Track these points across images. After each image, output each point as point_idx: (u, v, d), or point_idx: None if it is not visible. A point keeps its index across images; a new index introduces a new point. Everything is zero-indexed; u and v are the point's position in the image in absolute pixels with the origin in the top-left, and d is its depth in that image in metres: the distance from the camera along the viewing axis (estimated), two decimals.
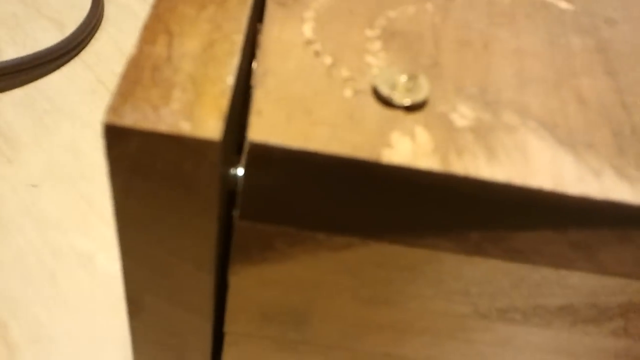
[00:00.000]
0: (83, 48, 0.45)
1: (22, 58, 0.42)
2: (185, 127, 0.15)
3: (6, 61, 0.42)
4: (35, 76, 0.43)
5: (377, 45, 0.20)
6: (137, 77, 0.16)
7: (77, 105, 0.43)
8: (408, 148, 0.16)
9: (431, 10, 0.22)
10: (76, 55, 0.44)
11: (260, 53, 0.19)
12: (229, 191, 0.18)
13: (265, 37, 0.19)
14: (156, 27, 0.18)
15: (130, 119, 0.14)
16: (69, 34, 0.44)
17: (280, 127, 0.16)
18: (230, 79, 0.17)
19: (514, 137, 0.17)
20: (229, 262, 0.19)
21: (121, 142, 0.15)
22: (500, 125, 0.18)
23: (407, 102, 0.17)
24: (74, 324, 0.36)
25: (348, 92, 0.18)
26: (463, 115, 0.18)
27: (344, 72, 0.19)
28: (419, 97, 0.18)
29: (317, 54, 0.19)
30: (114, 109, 0.14)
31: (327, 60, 0.19)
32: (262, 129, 0.16)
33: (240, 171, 0.19)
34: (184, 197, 0.16)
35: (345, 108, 0.17)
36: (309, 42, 0.19)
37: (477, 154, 0.17)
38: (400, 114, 0.17)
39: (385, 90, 0.18)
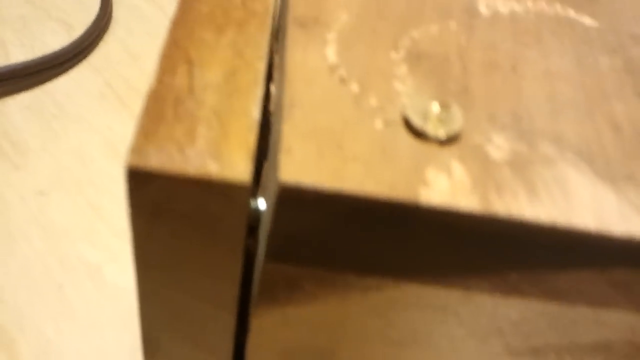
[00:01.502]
0: (91, 51, 0.44)
1: (29, 62, 0.42)
2: (213, 169, 0.14)
3: (13, 64, 0.41)
4: (43, 80, 0.42)
5: (403, 69, 0.19)
6: (159, 112, 0.15)
7: (85, 110, 0.42)
8: (446, 186, 0.15)
9: (455, 29, 0.21)
10: (84, 58, 0.43)
11: (286, 81, 0.18)
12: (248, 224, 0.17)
13: (289, 63, 0.18)
14: (175, 54, 0.17)
15: (155, 161, 0.14)
16: (77, 37, 0.43)
17: (312, 165, 0.15)
18: (255, 112, 0.16)
19: (552, 171, 0.17)
20: (248, 299, 0.18)
21: (145, 185, 0.14)
22: (538, 157, 0.17)
23: (442, 134, 0.17)
24: (82, 338, 0.36)
25: (378, 123, 0.17)
26: (499, 146, 0.17)
27: (373, 101, 0.18)
28: (453, 128, 0.17)
29: (342, 80, 0.18)
30: (137, 150, 0.14)
31: (354, 87, 0.18)
32: (292, 168, 0.15)
33: (261, 204, 0.18)
34: (209, 240, 0.15)
35: (377, 141, 0.17)
36: (333, 68, 0.19)
37: (518, 191, 0.16)
38: (434, 147, 0.17)
39: (418, 122, 0.17)
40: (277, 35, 0.20)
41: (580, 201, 0.16)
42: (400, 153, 0.16)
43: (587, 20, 0.23)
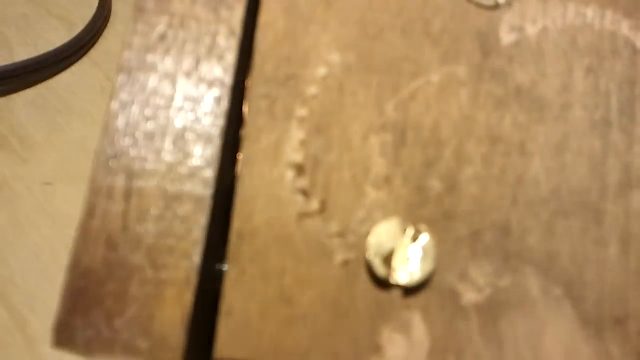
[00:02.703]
0: (92, 46, 0.39)
1: (31, 59, 0.37)
2: (142, 346, 0.11)
3: (18, 62, 0.37)
4: (45, 76, 0.38)
5: (380, 164, 0.15)
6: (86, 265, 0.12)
7: (87, 104, 0.38)
8: (401, 352, 0.12)
9: (463, 77, 0.15)
10: (85, 53, 0.39)
11: (237, 200, 0.14)
12: (213, 289, 0.14)
13: (245, 160, 0.14)
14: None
15: (81, 338, 0.10)
16: (77, 32, 0.38)
17: (253, 330, 0.12)
18: (196, 256, 0.13)
19: (529, 319, 0.13)
20: None
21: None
22: (517, 298, 0.13)
23: (407, 281, 0.13)
24: None
25: (337, 260, 0.13)
26: (474, 284, 0.13)
27: (334, 225, 0.14)
28: (423, 271, 0.13)
29: (304, 193, 0.14)
30: (62, 323, 0.10)
31: (314, 204, 0.14)
32: (230, 338, 0.12)
33: (224, 267, 0.15)
34: None
35: (331, 290, 0.13)
36: (296, 171, 0.14)
37: (481, 355, 0.13)
38: (396, 296, 0.13)
39: (380, 269, 0.13)
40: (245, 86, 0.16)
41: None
42: (356, 306, 0.13)
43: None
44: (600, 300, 0.14)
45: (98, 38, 0.40)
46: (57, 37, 0.39)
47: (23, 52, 0.38)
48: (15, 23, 0.39)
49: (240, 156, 0.15)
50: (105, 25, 0.40)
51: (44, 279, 0.34)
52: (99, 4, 0.40)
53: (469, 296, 0.13)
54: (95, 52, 0.40)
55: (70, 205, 0.37)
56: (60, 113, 0.38)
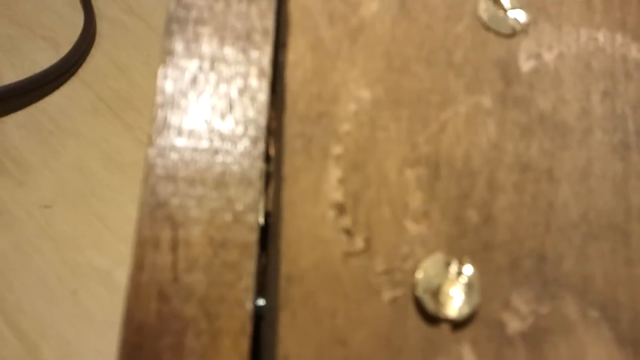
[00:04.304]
0: (80, 66, 0.38)
1: (21, 81, 0.36)
2: None
3: (5, 85, 0.35)
4: (36, 97, 0.37)
5: (417, 199, 0.15)
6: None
7: (80, 124, 0.37)
8: None
9: (488, 107, 0.15)
10: (74, 73, 0.37)
11: (282, 244, 0.14)
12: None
13: (286, 206, 0.14)
14: None
15: None
16: (65, 53, 0.37)
17: None
18: (249, 303, 0.12)
19: (569, 341, 0.13)
20: None
21: None
22: (557, 322, 0.13)
23: (456, 316, 0.13)
24: (100, 339, 0.33)
25: (385, 298, 0.13)
26: (517, 312, 0.13)
27: (379, 264, 0.14)
28: (470, 305, 0.13)
29: (347, 232, 0.14)
30: None
31: (359, 242, 0.14)
32: None
33: (261, 302, 0.15)
34: None
35: (383, 328, 0.13)
36: (337, 211, 0.14)
37: None
38: (446, 331, 0.13)
39: (430, 305, 0.13)
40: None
41: None
42: (408, 343, 0.13)
43: None
44: (634, 319, 0.14)
45: (85, 57, 0.38)
46: (44, 58, 0.37)
47: (11, 74, 0.36)
48: (1, 45, 0.37)
49: (279, 197, 0.15)
50: (92, 45, 0.39)
51: (52, 304, 0.33)
52: (85, 23, 0.39)
53: (514, 325, 0.13)
54: (83, 72, 0.38)
55: (71, 228, 0.35)
56: (53, 134, 0.37)
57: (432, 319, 0.13)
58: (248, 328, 0.13)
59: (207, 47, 0.15)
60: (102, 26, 0.39)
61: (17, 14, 0.40)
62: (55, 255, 0.34)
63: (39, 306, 0.33)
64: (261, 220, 0.16)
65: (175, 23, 0.15)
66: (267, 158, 0.15)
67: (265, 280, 0.15)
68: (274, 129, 0.16)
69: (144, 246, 0.13)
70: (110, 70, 0.39)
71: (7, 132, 0.36)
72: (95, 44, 0.39)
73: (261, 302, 0.16)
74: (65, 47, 0.38)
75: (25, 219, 0.35)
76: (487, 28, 0.16)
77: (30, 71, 0.37)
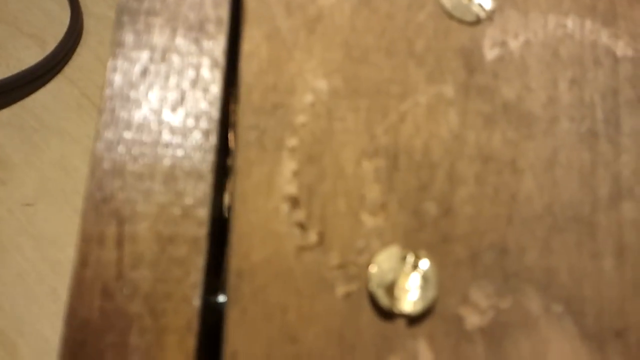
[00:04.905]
0: (66, 63, 0.37)
1: (5, 79, 0.35)
2: None
3: None
4: (21, 95, 0.36)
5: (374, 192, 0.14)
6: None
7: (64, 122, 0.36)
8: None
9: (450, 96, 0.15)
10: (59, 71, 0.37)
11: (233, 238, 0.13)
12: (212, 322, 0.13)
13: (238, 199, 0.13)
14: None
15: None
16: (50, 50, 0.36)
17: None
18: (196, 300, 0.12)
19: (532, 337, 0.13)
20: None
21: None
22: (519, 317, 0.13)
23: (411, 310, 0.13)
24: None
25: (339, 293, 0.13)
26: (476, 306, 0.13)
27: (334, 258, 0.13)
28: (426, 299, 0.13)
29: (301, 226, 0.14)
30: None
31: (313, 236, 0.14)
32: None
33: (221, 298, 0.14)
34: None
35: (335, 325, 0.12)
36: (291, 204, 0.14)
37: None
38: (401, 326, 0.13)
39: (383, 300, 0.13)
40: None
41: None
42: (362, 339, 0.12)
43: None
44: (599, 314, 0.13)
45: (71, 55, 0.38)
46: (29, 56, 0.37)
47: None
48: None
49: (233, 190, 0.14)
50: (78, 42, 0.39)
51: (31, 302, 0.33)
52: (71, 21, 0.38)
53: (473, 320, 0.13)
54: (69, 70, 0.38)
55: (52, 226, 0.35)
56: (37, 132, 0.36)
57: (387, 314, 0.13)
58: (195, 325, 0.12)
59: (159, 38, 0.15)
60: (88, 23, 0.39)
61: (3, 12, 0.39)
62: (35, 253, 0.34)
63: (18, 304, 0.33)
64: (226, 214, 0.15)
65: (126, 14, 0.15)
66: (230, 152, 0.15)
67: (226, 276, 0.14)
68: (233, 121, 0.15)
69: (88, 242, 0.13)
70: (96, 67, 0.38)
71: None
72: (82, 41, 0.38)
73: (222, 298, 0.15)
74: (51, 45, 0.37)
75: (7, 216, 0.34)
76: (450, 16, 0.16)
77: (16, 69, 0.36)
